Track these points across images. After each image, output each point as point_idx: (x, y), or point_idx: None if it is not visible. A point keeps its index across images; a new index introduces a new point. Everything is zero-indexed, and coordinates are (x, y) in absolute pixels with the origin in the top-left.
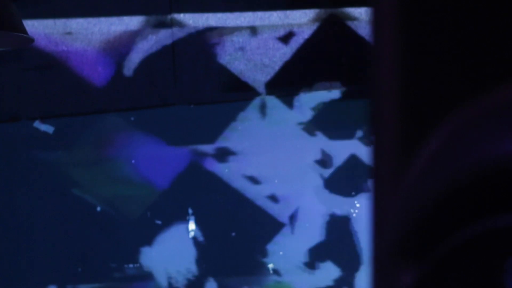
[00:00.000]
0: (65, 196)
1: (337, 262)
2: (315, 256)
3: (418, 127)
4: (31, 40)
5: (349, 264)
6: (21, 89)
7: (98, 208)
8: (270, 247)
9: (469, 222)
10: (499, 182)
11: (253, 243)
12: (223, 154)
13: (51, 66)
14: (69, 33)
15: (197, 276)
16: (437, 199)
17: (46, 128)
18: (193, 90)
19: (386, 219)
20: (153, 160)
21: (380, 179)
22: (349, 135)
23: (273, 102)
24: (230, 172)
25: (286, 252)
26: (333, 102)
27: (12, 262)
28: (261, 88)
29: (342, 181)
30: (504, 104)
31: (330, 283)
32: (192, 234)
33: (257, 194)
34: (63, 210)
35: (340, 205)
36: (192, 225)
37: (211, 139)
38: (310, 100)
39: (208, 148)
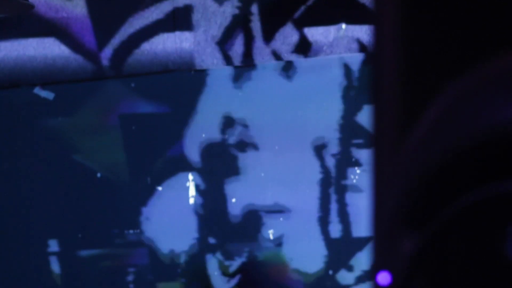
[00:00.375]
0: (66, 162)
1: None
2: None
3: (419, 94)
4: (31, 6)
5: (348, 231)
6: (22, 55)
7: (99, 175)
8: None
9: (469, 189)
10: (500, 149)
11: (254, 208)
12: (225, 121)
13: (51, 32)
14: (70, 0)
15: (198, 241)
16: (438, 166)
17: (46, 94)
18: (193, 56)
19: (387, 187)
20: (154, 126)
21: (381, 147)
22: (351, 102)
23: (274, 67)
24: (230, 138)
25: (287, 219)
26: (335, 68)
27: (12, 228)
28: (262, 54)
29: (343, 148)
30: (506, 71)
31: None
32: (192, 200)
33: (258, 160)
34: (64, 176)
35: (341, 172)
36: (192, 191)
37: (212, 105)
38: (313, 66)
39: (210, 114)
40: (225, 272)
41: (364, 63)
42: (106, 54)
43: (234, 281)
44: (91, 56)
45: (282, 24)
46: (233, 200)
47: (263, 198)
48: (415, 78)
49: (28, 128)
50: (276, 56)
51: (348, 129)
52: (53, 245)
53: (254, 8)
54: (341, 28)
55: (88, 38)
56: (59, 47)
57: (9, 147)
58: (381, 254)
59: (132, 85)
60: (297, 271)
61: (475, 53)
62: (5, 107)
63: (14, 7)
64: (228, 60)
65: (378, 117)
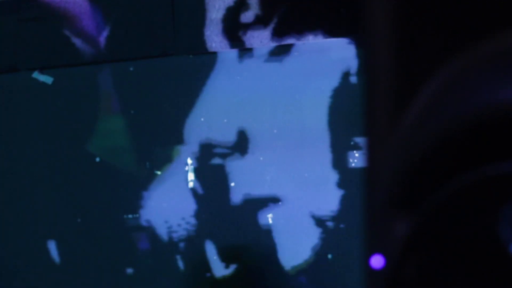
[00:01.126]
0: (64, 147)
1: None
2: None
3: (412, 76)
4: None
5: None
6: (20, 39)
7: (97, 159)
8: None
9: (463, 171)
10: (493, 131)
11: (253, 192)
12: (225, 104)
13: (50, 16)
14: None
15: (196, 225)
16: (431, 148)
17: (45, 78)
18: (193, 40)
19: (380, 168)
20: (152, 110)
21: (373, 130)
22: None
23: (272, 51)
24: (229, 122)
25: (286, 203)
26: (328, 51)
27: (9, 213)
28: (260, 38)
29: (337, 131)
30: (503, 51)
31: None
32: (191, 184)
33: (258, 144)
34: (62, 161)
35: (339, 149)
36: (191, 176)
37: (211, 89)
38: (308, 50)
39: (209, 98)
40: (224, 257)
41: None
42: (105, 38)
43: (233, 266)
44: (90, 40)
45: (281, 6)
46: (232, 184)
47: (262, 182)
48: (408, 60)
49: (27, 112)
50: (276, 39)
51: (348, 113)
52: (52, 230)
53: None
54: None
55: (87, 21)
56: (58, 31)
57: (6, 131)
58: (374, 238)
59: (131, 69)
60: (295, 257)
61: (469, 34)
62: (4, 91)
63: None
64: (227, 43)
65: (371, 98)
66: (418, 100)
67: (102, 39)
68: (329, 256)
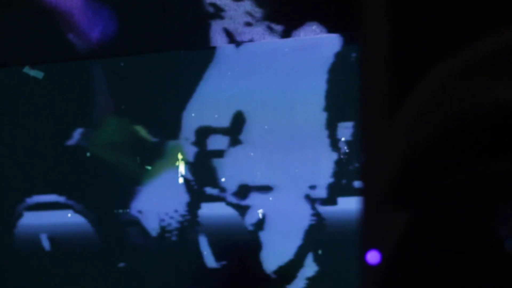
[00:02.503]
0: (54, 142)
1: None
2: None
3: (409, 72)
4: None
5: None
6: (10, 35)
7: (88, 154)
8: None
9: (459, 168)
10: (490, 129)
11: (243, 187)
12: (216, 99)
13: (41, 12)
14: None
15: (188, 219)
16: (428, 145)
17: (36, 73)
18: (183, 36)
19: (377, 164)
20: (143, 105)
21: (370, 125)
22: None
23: (263, 47)
24: (220, 117)
25: (276, 198)
26: (323, 47)
27: (2, 212)
28: (251, 33)
29: (330, 126)
30: (498, 50)
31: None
32: (182, 179)
33: (246, 139)
34: (52, 156)
35: (330, 144)
36: (182, 170)
37: (203, 84)
38: (299, 45)
39: (200, 93)
40: (215, 250)
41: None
42: (96, 33)
43: (224, 258)
44: (81, 35)
45: (274, 2)
46: (223, 179)
47: (253, 177)
48: (405, 56)
49: (17, 108)
50: (270, 34)
51: (340, 107)
52: (43, 225)
53: None
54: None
55: (78, 17)
56: (49, 26)
57: None
58: (370, 233)
59: (122, 64)
60: (284, 251)
61: (467, 32)
62: None
63: None
64: (219, 39)
65: (367, 94)
66: (415, 96)
67: (94, 34)
68: (319, 252)
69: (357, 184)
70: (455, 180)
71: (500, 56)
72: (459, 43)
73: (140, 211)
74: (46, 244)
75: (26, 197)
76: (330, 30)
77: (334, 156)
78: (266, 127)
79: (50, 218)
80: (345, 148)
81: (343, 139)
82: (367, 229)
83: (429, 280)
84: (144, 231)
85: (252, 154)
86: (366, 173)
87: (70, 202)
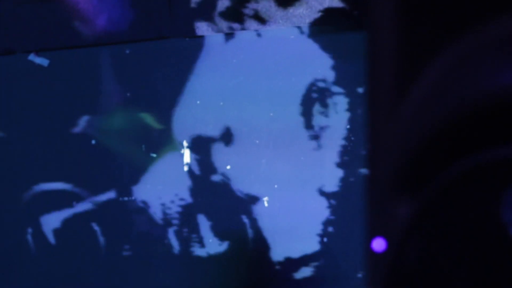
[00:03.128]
0: (59, 129)
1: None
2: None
3: (416, 58)
4: None
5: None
6: (16, 22)
7: (93, 142)
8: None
9: (466, 154)
10: (497, 114)
11: (249, 176)
12: (220, 88)
13: None
14: None
15: (191, 207)
16: (434, 131)
17: (41, 61)
18: (188, 23)
19: (383, 152)
20: (149, 93)
21: (376, 111)
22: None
23: (269, 34)
24: (225, 105)
25: (281, 186)
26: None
27: (4, 196)
28: (255, 22)
29: (333, 114)
30: (505, 36)
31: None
32: (186, 167)
33: (252, 127)
34: (57, 143)
35: (332, 137)
36: (187, 158)
37: (207, 72)
38: (299, 35)
39: (204, 81)
40: (218, 236)
41: (352, 30)
42: (101, 20)
43: (226, 244)
44: (87, 22)
45: None
46: (228, 167)
47: (258, 165)
48: (412, 41)
49: (23, 95)
50: (266, 23)
51: (345, 95)
52: (46, 212)
53: None
54: None
55: (84, 4)
56: (54, 14)
57: (3, 114)
58: (376, 220)
59: (127, 51)
60: (290, 240)
61: (475, 17)
62: (0, 74)
63: None
64: (222, 27)
65: (374, 80)
66: (421, 84)
67: (99, 21)
68: (325, 239)
69: (363, 172)
70: (460, 168)
71: (506, 43)
72: (471, 26)
73: (144, 199)
74: (50, 232)
75: (33, 185)
76: (338, 20)
77: (340, 145)
78: (271, 114)
79: (55, 205)
80: (351, 138)
81: (348, 127)
82: (373, 217)
83: (435, 268)
84: (149, 219)
85: (257, 141)
86: (372, 162)
87: (76, 190)
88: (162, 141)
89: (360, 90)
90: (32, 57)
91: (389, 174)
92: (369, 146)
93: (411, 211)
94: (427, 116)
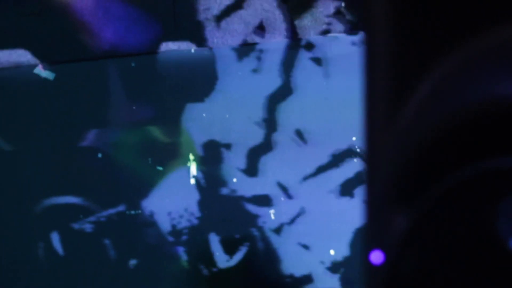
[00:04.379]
0: (66, 143)
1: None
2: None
3: (413, 66)
4: None
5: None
6: (21, 34)
7: (99, 155)
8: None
9: (462, 165)
10: (495, 124)
11: (255, 188)
12: (224, 99)
13: (51, 11)
14: None
15: (199, 220)
16: (431, 141)
17: (47, 74)
18: (194, 36)
19: (379, 161)
20: (154, 106)
21: (373, 122)
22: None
23: (273, 46)
24: (231, 117)
25: (288, 198)
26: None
27: (12, 208)
28: (263, 34)
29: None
30: (504, 44)
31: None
32: (193, 180)
33: (258, 139)
34: (64, 156)
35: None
36: (194, 171)
37: (213, 84)
38: (322, 45)
39: (211, 92)
40: (227, 251)
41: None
42: (107, 34)
43: (236, 258)
44: (92, 35)
45: (284, 4)
46: (234, 180)
47: (264, 178)
48: (409, 50)
49: (29, 108)
50: (284, 35)
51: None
52: (54, 226)
53: None
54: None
55: (89, 17)
56: (60, 26)
57: (9, 127)
58: (373, 233)
59: (133, 64)
60: (299, 252)
61: (472, 26)
62: (6, 87)
63: None
64: (229, 39)
65: (370, 90)
66: (417, 93)
67: (104, 34)
68: (333, 251)
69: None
70: (457, 178)
71: (503, 51)
72: (462, 39)
73: (152, 212)
74: (59, 245)
75: (42, 199)
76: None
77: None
78: (278, 127)
79: (65, 219)
80: (356, 146)
81: (354, 137)
82: (371, 229)
83: (432, 280)
84: (156, 232)
85: (264, 154)
86: (369, 172)
87: (85, 203)
88: (169, 154)
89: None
90: (38, 70)
91: (386, 185)
92: (366, 157)
93: (408, 223)
94: (424, 126)
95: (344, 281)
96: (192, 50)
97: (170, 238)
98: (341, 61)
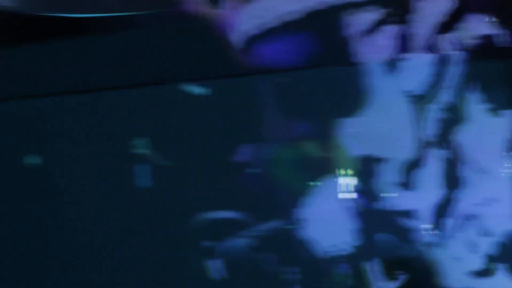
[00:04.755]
0: (221, 158)
1: None
2: None
3: None
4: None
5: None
6: (168, 52)
7: (254, 170)
8: None
9: None
10: None
11: (415, 204)
12: (379, 114)
13: (196, 27)
14: None
15: (358, 247)
16: None
17: (199, 90)
18: (339, 52)
19: None
20: (307, 120)
21: None
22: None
23: (423, 61)
24: (387, 132)
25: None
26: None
27: (168, 226)
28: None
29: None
30: None
31: None
32: (348, 195)
33: (414, 154)
34: (219, 171)
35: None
36: (349, 185)
37: (365, 99)
38: (472, 59)
39: (363, 107)
40: (387, 275)
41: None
42: (261, 49)
43: (396, 283)
44: (245, 51)
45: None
46: (391, 194)
47: (424, 193)
48: None
49: (176, 124)
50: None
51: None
52: (214, 241)
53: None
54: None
55: (234, 33)
56: (205, 43)
57: (165, 145)
58: None
59: (287, 80)
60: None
61: None
62: (152, 104)
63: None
64: (378, 53)
65: None
66: None
67: (251, 50)
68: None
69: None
70: None
71: None
72: None
73: (306, 226)
74: (220, 261)
75: (197, 214)
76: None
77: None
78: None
79: (222, 233)
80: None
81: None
82: None
83: None
84: (312, 247)
85: (422, 167)
86: None
87: (242, 217)
88: (324, 169)
89: None
90: (189, 87)
91: None
92: None
93: None
94: None
95: None
96: (340, 66)
97: (327, 252)
98: (490, 75)
